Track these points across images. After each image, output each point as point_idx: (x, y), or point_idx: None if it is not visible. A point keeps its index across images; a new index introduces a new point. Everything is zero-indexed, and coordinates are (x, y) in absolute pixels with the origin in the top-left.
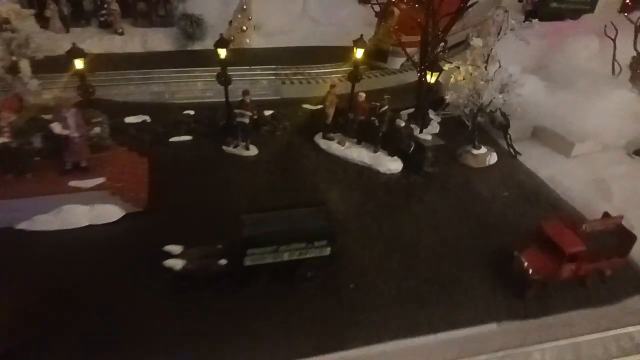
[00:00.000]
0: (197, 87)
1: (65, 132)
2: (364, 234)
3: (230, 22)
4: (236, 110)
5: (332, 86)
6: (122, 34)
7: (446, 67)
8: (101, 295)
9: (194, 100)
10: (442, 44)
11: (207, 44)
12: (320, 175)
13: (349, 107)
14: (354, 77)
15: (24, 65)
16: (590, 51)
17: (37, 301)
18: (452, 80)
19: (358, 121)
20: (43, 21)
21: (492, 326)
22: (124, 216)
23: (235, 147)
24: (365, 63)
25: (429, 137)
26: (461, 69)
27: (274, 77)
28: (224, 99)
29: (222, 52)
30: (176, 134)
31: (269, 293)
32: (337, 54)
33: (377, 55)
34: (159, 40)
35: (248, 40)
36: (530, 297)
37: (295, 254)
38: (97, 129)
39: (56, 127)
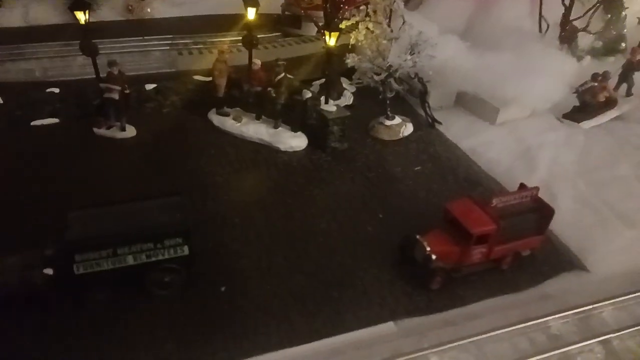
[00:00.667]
0: (76, 63)
1: None
2: (247, 226)
3: None
4: (102, 85)
5: (221, 52)
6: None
7: (343, 24)
8: None
9: (71, 78)
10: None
11: (103, 14)
12: (207, 157)
13: (245, 77)
14: (249, 42)
15: None
16: (520, 10)
17: None
18: (351, 40)
19: (254, 93)
20: None
21: (388, 325)
22: None
23: (108, 128)
24: (280, 30)
25: (334, 109)
26: (360, 26)
27: (168, 48)
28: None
29: (81, 16)
30: (38, 116)
31: (114, 306)
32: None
33: (291, 22)
34: (44, 11)
35: (149, 10)
36: (434, 288)
37: (141, 256)
38: None
39: None
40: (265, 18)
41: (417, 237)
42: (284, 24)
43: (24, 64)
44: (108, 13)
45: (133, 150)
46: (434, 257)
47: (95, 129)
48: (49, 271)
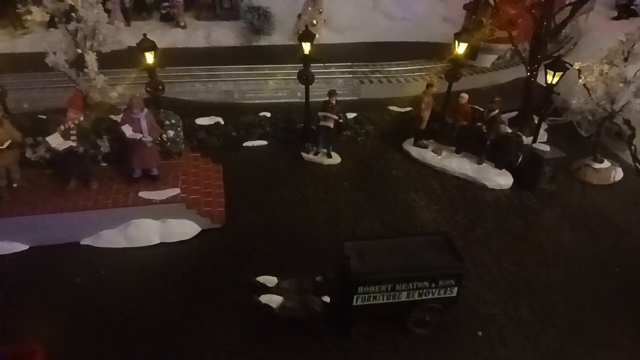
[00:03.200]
0: (268, 87)
1: (138, 135)
2: (480, 270)
3: (299, 15)
4: (320, 113)
5: (429, 85)
6: (184, 27)
7: (576, 65)
8: (172, 327)
9: (266, 101)
10: (569, 39)
11: (275, 39)
12: (413, 190)
13: (446, 110)
14: (452, 75)
15: (90, 59)
16: None
17: (100, 326)
18: (581, 81)
19: (459, 127)
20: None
21: None
22: (199, 233)
23: (315, 154)
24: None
25: (547, 148)
26: (594, 68)
27: (350, 76)
28: (297, 100)
29: (307, 47)
30: (250, 138)
31: (375, 340)
32: (415, 51)
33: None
34: (223, 34)
35: (318, 36)
36: None
37: (414, 294)
38: (170, 132)
39: (127, 130)
40: (432, 47)
41: None
42: None
43: (223, 86)
44: (279, 38)
45: (341, 177)
46: None
47: (303, 154)
48: (326, 299)
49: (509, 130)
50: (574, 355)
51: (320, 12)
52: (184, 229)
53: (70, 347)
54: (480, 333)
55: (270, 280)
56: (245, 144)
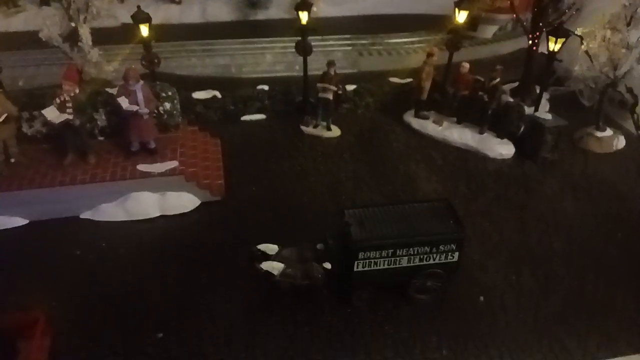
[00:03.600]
0: (265, 60)
1: (134, 107)
2: (482, 238)
3: None
4: (319, 85)
5: (429, 55)
6: (179, 2)
7: (579, 31)
8: (172, 299)
9: (264, 75)
10: (572, 4)
11: (272, 13)
12: (414, 161)
13: (447, 80)
14: (453, 44)
15: (84, 33)
16: None
17: (100, 298)
18: (582, 47)
19: (460, 97)
20: None
21: None
22: (198, 206)
23: (315, 127)
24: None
25: (549, 116)
26: (597, 33)
27: (349, 48)
28: (295, 73)
29: (304, 16)
30: (248, 112)
31: (377, 306)
32: (415, 23)
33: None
34: (219, 8)
35: (315, 9)
36: None
37: (415, 259)
38: (167, 105)
39: (123, 102)
40: (432, 19)
41: None
42: None
43: (220, 60)
44: (275, 11)
45: (341, 149)
46: None
47: (302, 127)
48: (327, 265)
49: (511, 100)
50: (576, 321)
51: None
52: (183, 201)
53: (70, 318)
54: (482, 298)
55: (271, 249)
56: (243, 117)
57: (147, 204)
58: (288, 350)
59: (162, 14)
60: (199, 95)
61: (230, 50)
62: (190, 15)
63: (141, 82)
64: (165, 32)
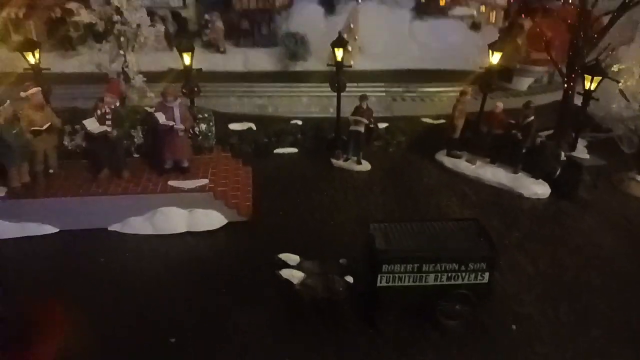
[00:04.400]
0: (301, 102)
1: (170, 123)
2: (515, 270)
3: None
4: (351, 117)
5: (463, 93)
6: (224, 52)
7: (615, 67)
8: (192, 311)
9: (299, 115)
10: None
11: (310, 65)
12: (446, 196)
13: (480, 119)
14: (486, 85)
15: (131, 59)
16: None
17: (118, 306)
18: (620, 85)
19: (493, 135)
20: None
21: None
22: (225, 225)
23: (345, 160)
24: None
25: (587, 156)
26: (634, 70)
27: (383, 94)
28: (329, 115)
29: (339, 53)
30: (280, 145)
31: (402, 331)
32: (451, 77)
33: (500, 75)
34: (261, 59)
35: (352, 62)
36: None
37: (443, 277)
38: (202, 126)
39: (160, 117)
40: (467, 74)
41: None
42: None
43: (258, 100)
44: (314, 64)
45: (371, 183)
46: None
47: (333, 160)
48: (349, 279)
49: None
50: (620, 354)
51: (356, 39)
52: (211, 219)
53: (85, 320)
54: (514, 327)
55: (292, 259)
56: (276, 150)
57: (174, 220)
58: None
59: (209, 63)
60: (234, 126)
61: (269, 93)
62: (234, 64)
63: (179, 100)
64: (209, 77)
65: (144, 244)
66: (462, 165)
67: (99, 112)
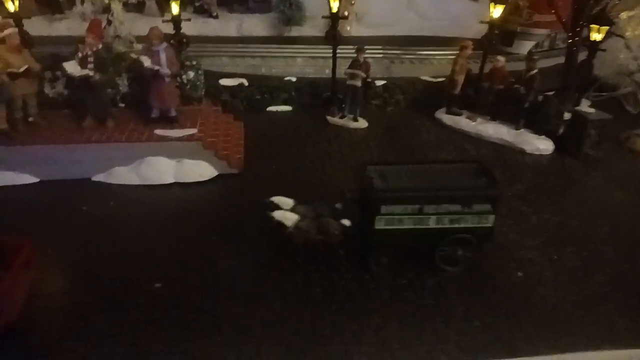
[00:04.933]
0: (296, 63)
1: (155, 67)
2: (518, 219)
3: None
4: (347, 70)
5: (463, 48)
6: (217, 17)
7: (624, 14)
8: (178, 257)
9: (293, 76)
10: None
11: (305, 30)
12: (445, 151)
13: (481, 75)
14: (488, 41)
15: (117, 8)
16: None
17: (102, 252)
18: (628, 34)
19: (495, 91)
20: (139, 6)
21: None
22: (215, 177)
23: (341, 117)
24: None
25: (592, 110)
26: None
27: (381, 56)
28: (324, 76)
29: (335, 4)
30: (274, 102)
31: (396, 275)
32: (450, 44)
33: (501, 38)
34: (255, 24)
35: (349, 28)
36: None
37: (445, 219)
38: (190, 74)
39: (145, 60)
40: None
41: None
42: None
43: (251, 61)
44: (310, 30)
45: (367, 138)
46: None
47: (328, 117)
48: (346, 222)
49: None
50: (626, 301)
51: (353, 4)
52: (200, 170)
53: (64, 264)
54: (520, 274)
55: (285, 202)
56: (269, 108)
57: (162, 170)
58: (295, 309)
59: (201, 28)
60: (225, 82)
61: (263, 53)
62: (227, 29)
63: (165, 43)
64: (201, 40)
65: (129, 194)
66: (462, 122)
67: (80, 54)
